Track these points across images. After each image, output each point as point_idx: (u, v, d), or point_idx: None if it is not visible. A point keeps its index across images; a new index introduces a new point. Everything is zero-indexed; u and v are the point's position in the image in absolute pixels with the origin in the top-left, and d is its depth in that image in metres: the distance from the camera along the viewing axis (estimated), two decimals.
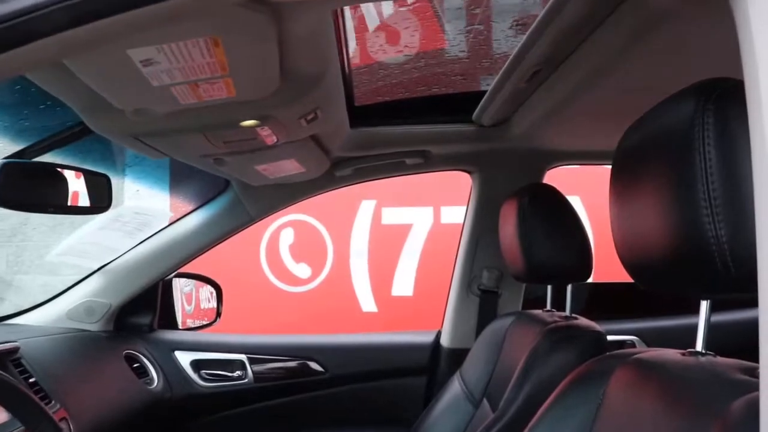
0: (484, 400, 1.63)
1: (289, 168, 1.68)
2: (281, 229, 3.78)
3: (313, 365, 2.14)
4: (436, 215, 3.70)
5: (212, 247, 2.10)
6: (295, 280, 3.79)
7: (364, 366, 2.15)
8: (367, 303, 3.76)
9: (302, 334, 2.30)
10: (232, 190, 2.03)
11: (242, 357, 2.13)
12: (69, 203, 1.35)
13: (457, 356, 1.91)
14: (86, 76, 0.90)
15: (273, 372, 2.14)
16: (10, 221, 4.55)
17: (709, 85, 0.70)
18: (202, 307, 2.56)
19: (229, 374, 2.12)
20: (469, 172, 2.11)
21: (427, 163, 2.03)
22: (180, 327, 2.36)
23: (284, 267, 3.81)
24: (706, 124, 0.67)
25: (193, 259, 2.11)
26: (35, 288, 4.42)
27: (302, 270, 3.81)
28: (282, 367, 2.14)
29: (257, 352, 2.14)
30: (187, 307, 2.48)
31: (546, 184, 1.68)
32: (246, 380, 2.12)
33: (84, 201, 1.37)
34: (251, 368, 2.12)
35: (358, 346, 2.19)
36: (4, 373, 1.12)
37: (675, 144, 0.71)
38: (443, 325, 2.18)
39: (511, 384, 1.40)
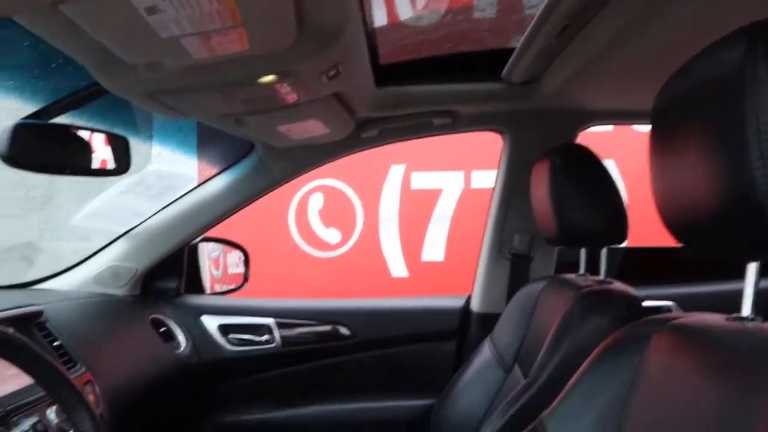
0: (516, 366, 1.58)
1: (312, 129, 1.63)
2: (310, 194, 3.75)
3: (342, 330, 2.11)
4: (467, 180, 3.64)
5: (238, 211, 2.07)
6: (325, 246, 3.77)
7: (393, 331, 2.12)
8: (397, 268, 3.73)
9: (331, 299, 2.27)
10: (257, 152, 1.99)
11: (270, 321, 2.11)
12: (86, 165, 1.32)
13: (488, 321, 1.86)
14: (92, 28, 0.85)
15: (301, 336, 2.12)
16: (42, 188, 4.59)
17: (760, 26, 0.63)
18: (230, 272, 2.54)
19: (257, 338, 2.10)
20: (499, 132, 2.04)
21: (455, 123, 1.97)
22: (207, 292, 2.34)
23: (313, 232, 3.79)
24: (757, 69, 0.61)
25: (219, 222, 2.08)
26: (67, 254, 4.46)
27: (331, 235, 3.78)
28: (310, 332, 2.12)
29: (285, 316, 2.12)
30: (214, 272, 2.47)
31: (579, 144, 1.61)
32: (273, 344, 2.10)
33: (102, 163, 1.34)
34: (279, 332, 2.10)
35: (387, 310, 2.16)
36: (23, 337, 1.10)
37: (722, 93, 0.65)
38: (473, 290, 2.13)
39: (544, 349, 1.35)
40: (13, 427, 1.21)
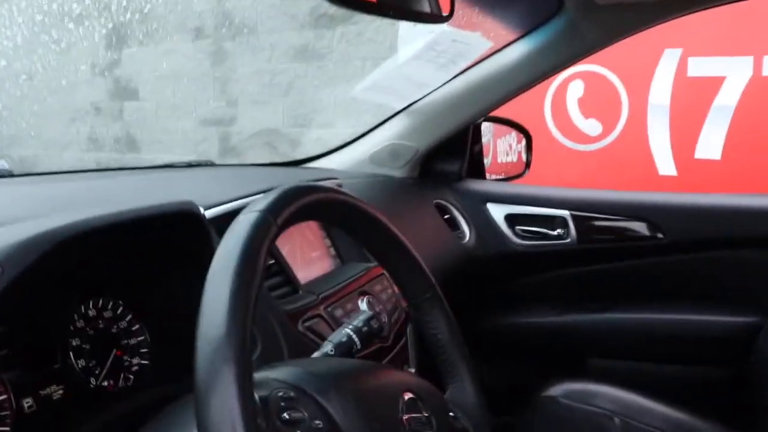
0: None
1: None
2: (569, 81, 3.40)
3: (648, 228, 1.79)
4: (757, 66, 3.09)
5: (535, 85, 1.78)
6: (583, 138, 3.42)
7: (713, 232, 1.76)
8: (665, 165, 3.30)
9: (636, 190, 1.94)
10: (566, 12, 1.66)
11: (564, 213, 1.83)
12: (408, 7, 1.09)
13: None
14: None
15: (599, 232, 1.82)
16: (287, 75, 4.58)
17: None
18: (499, 160, 2.30)
19: (549, 232, 1.84)
20: None
21: None
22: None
23: (571, 123, 3.45)
24: None
25: (511, 98, 1.80)
26: (309, 142, 4.46)
27: (591, 126, 3.42)
28: (610, 227, 1.82)
29: (582, 209, 1.83)
30: (501, 157, 2.23)
31: None
32: (568, 240, 1.83)
33: (424, 6, 1.10)
34: (574, 226, 1.83)
35: (704, 208, 1.80)
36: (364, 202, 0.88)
37: None
38: None
39: None
40: (340, 318, 1.06)
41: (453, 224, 1.83)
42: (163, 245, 0.91)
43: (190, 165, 1.72)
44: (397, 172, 1.87)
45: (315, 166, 1.93)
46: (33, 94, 5.80)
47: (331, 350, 0.92)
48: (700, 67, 3.21)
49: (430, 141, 1.85)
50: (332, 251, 1.37)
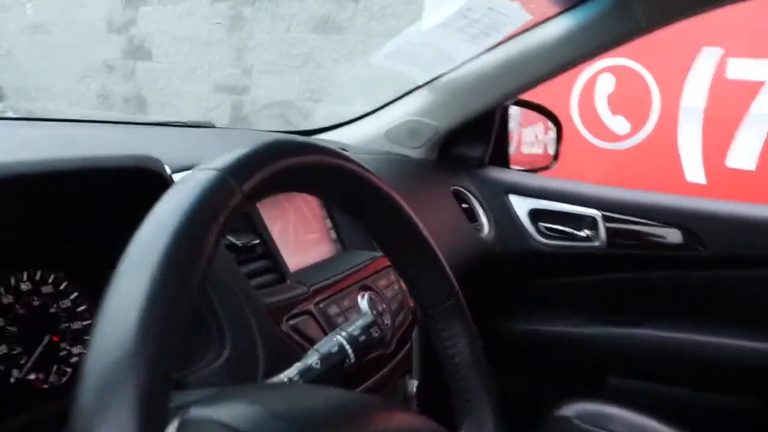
0: None
1: None
2: (599, 74, 3.21)
3: (687, 237, 1.61)
4: None
5: (572, 68, 1.59)
6: (609, 135, 3.23)
7: (760, 249, 1.57)
8: (694, 172, 3.11)
9: (675, 194, 1.76)
10: None
11: (595, 213, 1.64)
12: None
13: None
14: None
15: (632, 237, 1.63)
16: (304, 46, 4.42)
17: None
18: (523, 150, 2.11)
19: (576, 232, 1.66)
20: None
21: None
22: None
23: (598, 119, 3.26)
24: None
25: (545, 81, 1.62)
26: (323, 117, 4.29)
27: (619, 124, 3.23)
28: (645, 233, 1.62)
29: (615, 210, 1.64)
30: (526, 148, 2.04)
31: None
32: (597, 243, 1.64)
33: None
34: (605, 228, 1.64)
35: (752, 219, 1.61)
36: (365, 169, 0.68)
37: None
38: None
39: None
40: (335, 317, 0.87)
41: (471, 215, 1.65)
42: (120, 210, 0.73)
43: (187, 125, 1.54)
44: (414, 153, 1.69)
45: (324, 138, 1.75)
46: (45, 47, 5.66)
47: (317, 363, 0.72)
48: (740, 69, 3.02)
49: (452, 120, 1.67)
50: (332, 234, 1.17)
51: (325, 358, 0.73)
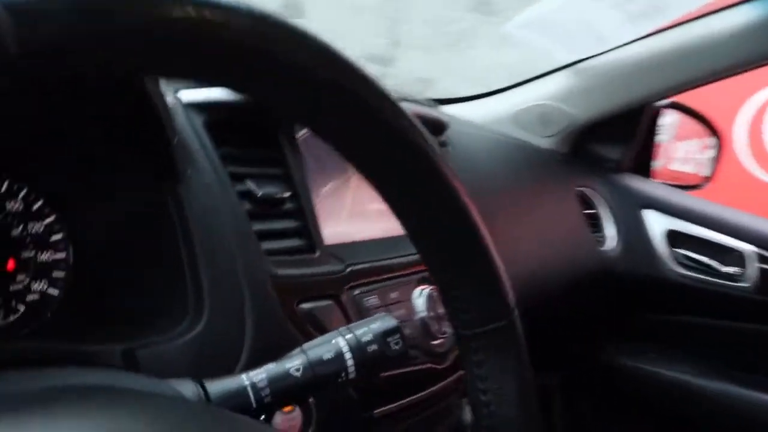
0: None
1: None
2: None
3: None
4: None
5: (751, 69, 1.31)
6: None
7: None
8: None
9: None
10: None
11: (747, 248, 1.36)
12: None
13: None
14: None
15: None
16: (458, 25, 4.28)
17: None
18: (671, 167, 1.83)
19: (720, 268, 1.38)
20: None
21: None
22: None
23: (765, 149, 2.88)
24: None
25: (711, 81, 1.35)
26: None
27: None
28: None
29: None
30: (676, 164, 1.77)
31: None
32: (743, 284, 1.35)
33: None
34: (758, 268, 1.35)
35: None
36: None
37: None
38: None
39: None
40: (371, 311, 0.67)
41: (594, 223, 1.41)
42: (114, 126, 0.56)
43: None
44: (543, 142, 1.47)
45: (446, 109, 1.55)
46: None
47: (297, 369, 0.49)
48: None
49: (593, 111, 1.43)
50: None
51: (312, 366, 0.50)
